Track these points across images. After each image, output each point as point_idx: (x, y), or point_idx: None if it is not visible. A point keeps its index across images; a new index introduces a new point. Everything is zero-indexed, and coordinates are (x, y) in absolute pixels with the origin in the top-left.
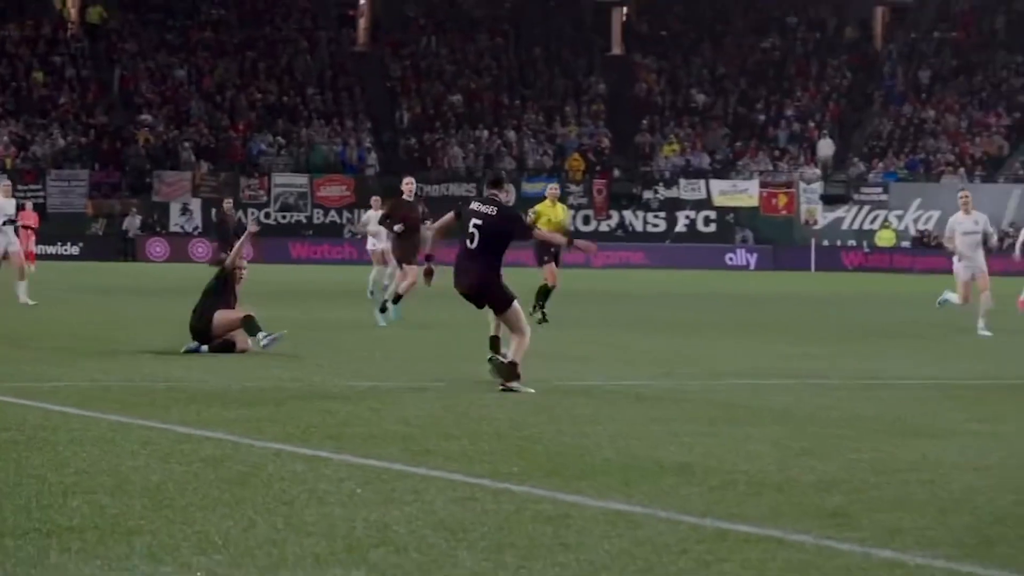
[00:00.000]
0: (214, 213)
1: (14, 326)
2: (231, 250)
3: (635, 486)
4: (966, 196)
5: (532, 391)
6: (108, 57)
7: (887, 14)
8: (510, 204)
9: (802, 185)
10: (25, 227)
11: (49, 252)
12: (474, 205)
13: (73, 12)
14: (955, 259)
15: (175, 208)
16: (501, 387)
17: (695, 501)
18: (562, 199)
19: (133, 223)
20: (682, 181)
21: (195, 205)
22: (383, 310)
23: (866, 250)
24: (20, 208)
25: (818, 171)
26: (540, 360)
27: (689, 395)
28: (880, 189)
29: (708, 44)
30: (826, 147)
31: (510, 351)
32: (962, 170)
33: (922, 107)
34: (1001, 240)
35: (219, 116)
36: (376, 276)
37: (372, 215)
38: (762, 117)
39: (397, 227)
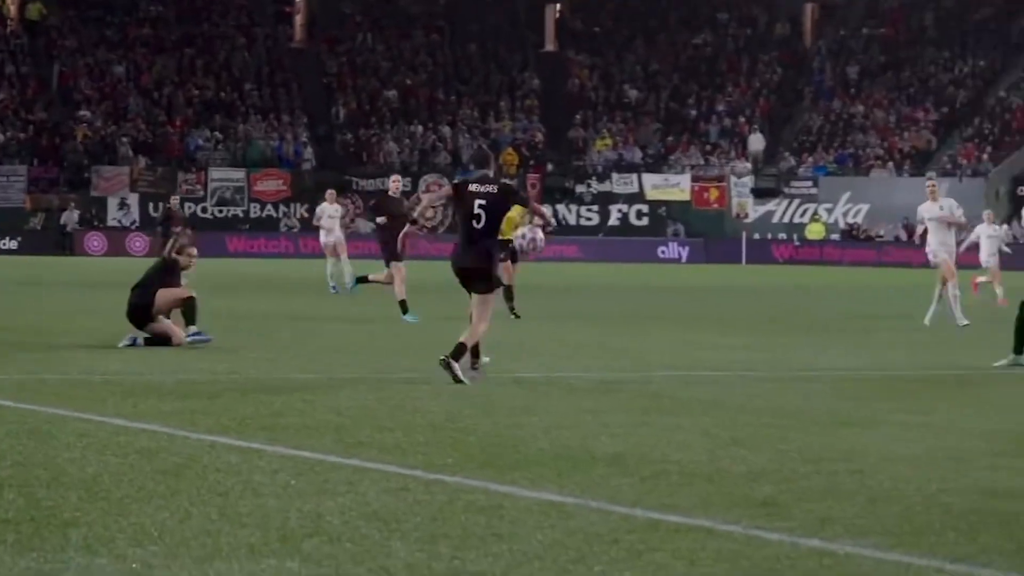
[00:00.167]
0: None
1: None
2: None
3: (567, 476)
4: (933, 184)
5: (468, 383)
6: (47, 53)
7: (816, 11)
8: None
9: (733, 179)
10: None
11: None
12: (473, 187)
13: (12, 9)
14: (928, 252)
15: (113, 203)
16: (441, 360)
17: (626, 491)
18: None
19: (71, 218)
20: (615, 175)
21: (133, 200)
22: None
23: (796, 243)
24: None
25: (749, 165)
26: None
27: (621, 386)
28: (810, 183)
29: (641, 41)
30: (757, 142)
31: (466, 333)
32: (891, 164)
33: (851, 102)
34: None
35: (157, 112)
36: (333, 269)
37: (326, 207)
38: (694, 112)
39: (380, 219)
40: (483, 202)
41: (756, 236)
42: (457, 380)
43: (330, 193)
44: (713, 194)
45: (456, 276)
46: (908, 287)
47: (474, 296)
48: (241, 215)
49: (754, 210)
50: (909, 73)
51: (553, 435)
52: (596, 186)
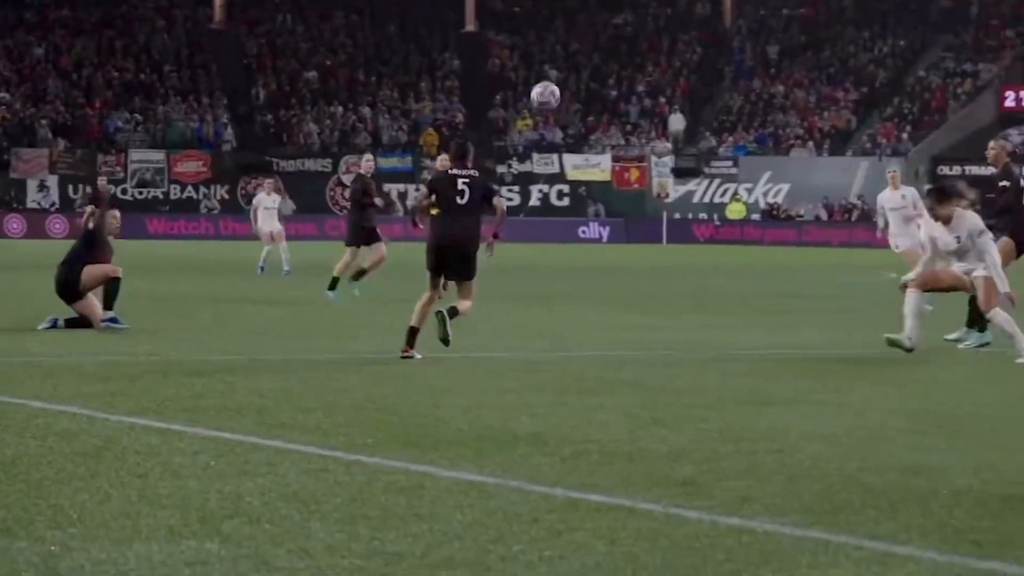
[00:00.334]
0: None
1: None
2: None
3: (488, 456)
4: (894, 173)
5: (420, 356)
6: None
7: None
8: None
9: (654, 159)
10: None
11: None
12: (454, 171)
13: None
14: (891, 242)
15: (32, 185)
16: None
17: (547, 471)
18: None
19: None
20: (535, 155)
21: (52, 182)
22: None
23: (717, 223)
24: None
25: (669, 145)
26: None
27: (542, 366)
28: (730, 163)
29: (561, 21)
30: (677, 122)
31: (459, 307)
32: (811, 144)
33: (771, 82)
34: (848, 212)
35: (76, 94)
36: (268, 255)
37: (263, 198)
38: (614, 92)
39: (379, 201)
40: (467, 180)
41: (677, 216)
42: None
43: (268, 183)
44: (634, 174)
45: (435, 255)
46: (828, 266)
47: (459, 285)
48: (161, 196)
49: (675, 190)
50: (829, 53)
51: (474, 415)
52: (517, 166)
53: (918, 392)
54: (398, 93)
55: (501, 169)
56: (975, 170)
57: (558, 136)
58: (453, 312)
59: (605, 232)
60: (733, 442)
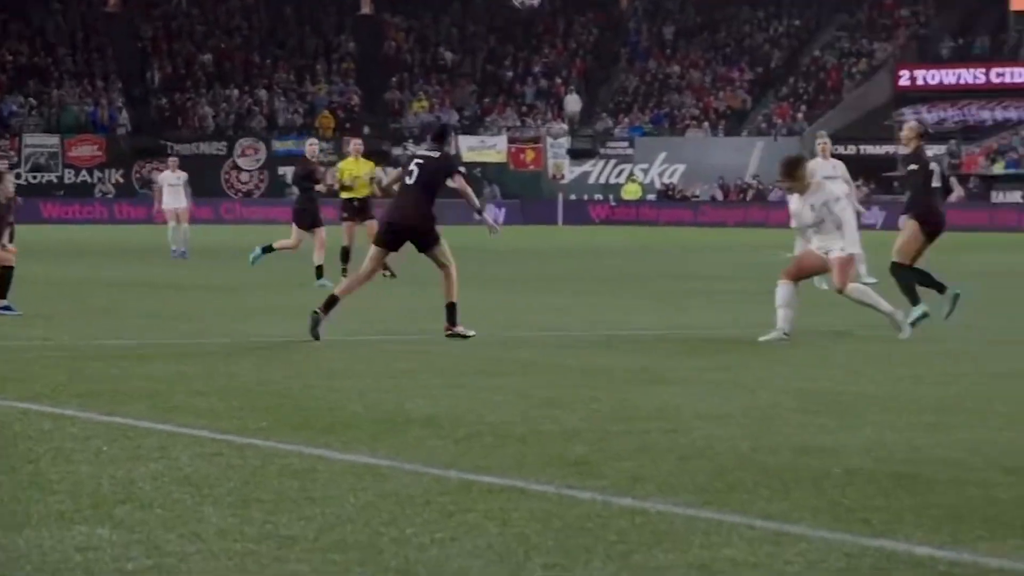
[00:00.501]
0: None
1: None
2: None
3: (381, 439)
4: (825, 143)
5: (474, 333)
6: None
7: None
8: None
9: (549, 140)
10: None
11: None
12: (419, 151)
13: None
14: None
15: None
16: (448, 333)
17: (440, 453)
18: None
19: None
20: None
21: None
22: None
23: (612, 204)
24: None
25: (565, 126)
26: (290, 316)
27: (436, 348)
28: (626, 143)
29: (457, 2)
30: (573, 103)
31: (446, 292)
32: (706, 124)
33: (667, 63)
34: (743, 192)
35: None
36: (173, 234)
37: (167, 175)
38: (510, 74)
39: (322, 187)
40: (420, 161)
41: (572, 197)
42: (466, 336)
43: (172, 160)
44: (529, 155)
45: (380, 232)
46: (724, 246)
47: (429, 255)
48: (55, 181)
49: (570, 171)
50: (724, 33)
51: (368, 398)
52: (413, 148)
53: (810, 372)
54: (294, 76)
55: (397, 151)
56: (870, 149)
57: (454, 118)
58: (452, 312)
59: (501, 214)
60: (626, 422)
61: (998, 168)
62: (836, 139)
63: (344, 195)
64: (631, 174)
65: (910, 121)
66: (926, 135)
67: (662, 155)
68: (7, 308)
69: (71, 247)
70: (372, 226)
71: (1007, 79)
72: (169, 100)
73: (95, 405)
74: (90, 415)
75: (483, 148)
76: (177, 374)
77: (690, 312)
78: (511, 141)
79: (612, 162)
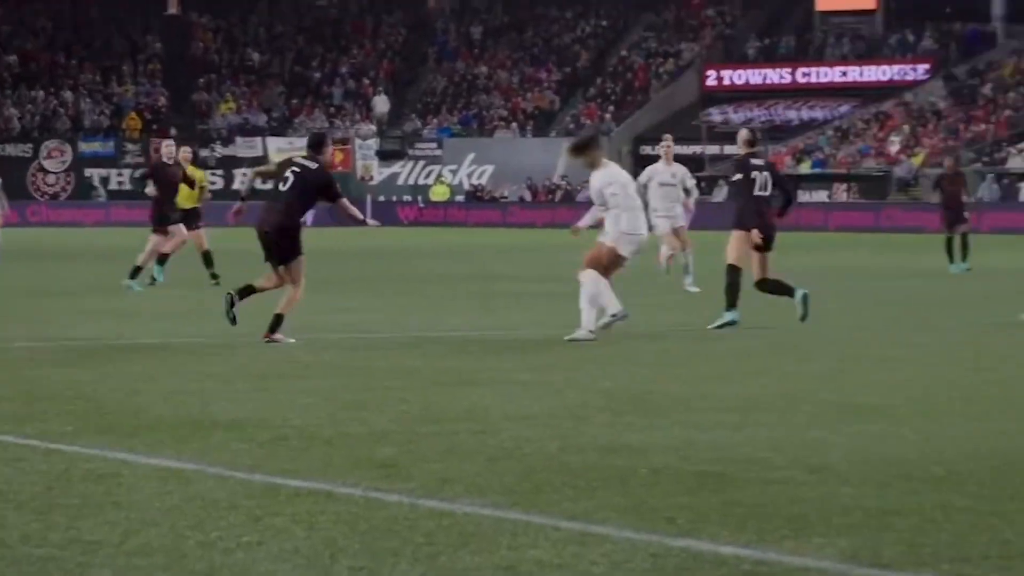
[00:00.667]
0: None
1: None
2: None
3: (186, 443)
4: (668, 146)
5: (292, 341)
6: None
7: None
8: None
9: (358, 141)
10: None
11: None
12: (297, 159)
13: None
14: (651, 213)
15: None
16: (265, 339)
17: (246, 456)
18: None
19: None
20: (239, 139)
21: None
22: (134, 277)
23: (421, 205)
24: None
25: (373, 127)
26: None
27: (242, 350)
28: (435, 144)
29: (264, 3)
30: (381, 104)
31: (281, 303)
32: (514, 125)
33: (475, 63)
34: (552, 192)
35: None
36: None
37: None
38: (318, 75)
39: (149, 189)
40: (297, 170)
41: (381, 198)
42: (285, 342)
43: None
44: (338, 156)
45: (260, 240)
46: (532, 247)
47: (281, 268)
48: None
49: (379, 172)
50: (532, 33)
51: (173, 401)
52: (221, 150)
53: (618, 371)
54: (100, 76)
55: (205, 153)
56: (678, 149)
57: (262, 119)
58: (277, 323)
59: (310, 215)
60: (434, 423)
61: (804, 168)
62: (643, 139)
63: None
64: (439, 175)
65: (742, 129)
66: (755, 142)
67: (471, 156)
68: None
69: None
70: (198, 235)
71: (813, 79)
72: None
73: None
74: None
75: (291, 150)
76: None
77: (499, 313)
78: None
79: (421, 163)
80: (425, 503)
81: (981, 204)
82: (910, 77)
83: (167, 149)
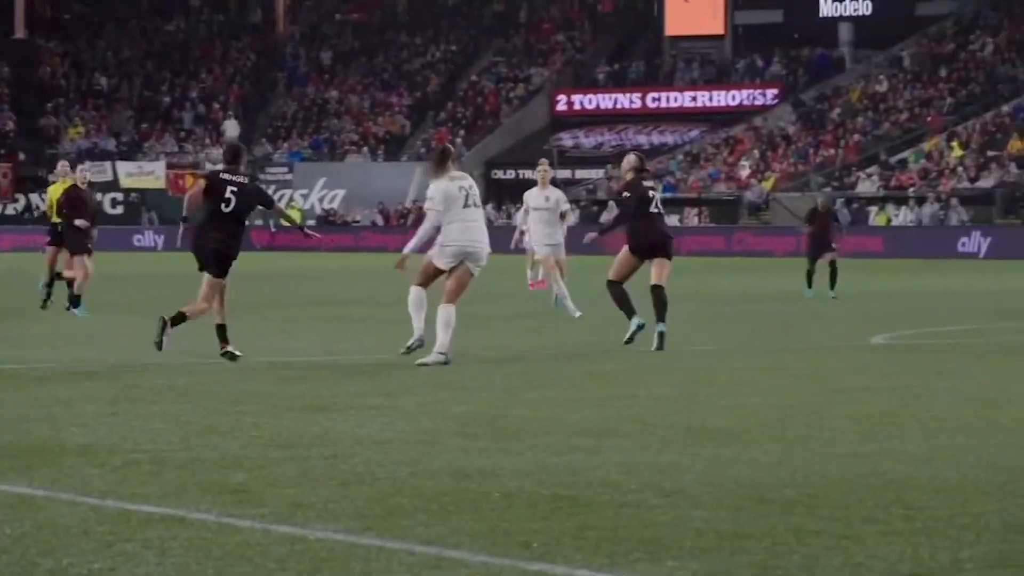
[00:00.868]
0: None
1: None
2: None
3: (37, 469)
4: (545, 170)
5: (240, 354)
6: None
7: None
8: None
9: (208, 165)
10: None
11: None
12: (224, 175)
13: None
14: (526, 238)
15: None
16: (161, 328)
17: (97, 482)
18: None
19: None
20: (88, 163)
21: None
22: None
23: (273, 230)
24: None
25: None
26: None
27: (95, 375)
28: (286, 169)
29: (112, 27)
30: (231, 128)
31: (188, 306)
32: (366, 149)
33: (325, 88)
34: (404, 217)
35: None
36: None
37: None
38: (167, 99)
39: (80, 222)
40: (235, 188)
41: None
42: (234, 357)
43: None
44: (188, 181)
45: (199, 258)
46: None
47: (205, 276)
48: None
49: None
50: (382, 58)
51: (22, 427)
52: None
53: (471, 395)
54: None
55: (54, 177)
56: (528, 174)
57: (111, 144)
58: (222, 333)
59: (160, 240)
60: (286, 448)
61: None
62: (494, 163)
63: (54, 220)
64: (291, 199)
65: (629, 155)
66: (642, 168)
67: (322, 180)
68: None
69: None
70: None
71: (663, 104)
72: None
73: None
74: None
75: (141, 174)
76: None
77: (351, 338)
78: (169, 167)
79: (272, 188)
80: (278, 528)
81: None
82: (759, 102)
83: (83, 176)
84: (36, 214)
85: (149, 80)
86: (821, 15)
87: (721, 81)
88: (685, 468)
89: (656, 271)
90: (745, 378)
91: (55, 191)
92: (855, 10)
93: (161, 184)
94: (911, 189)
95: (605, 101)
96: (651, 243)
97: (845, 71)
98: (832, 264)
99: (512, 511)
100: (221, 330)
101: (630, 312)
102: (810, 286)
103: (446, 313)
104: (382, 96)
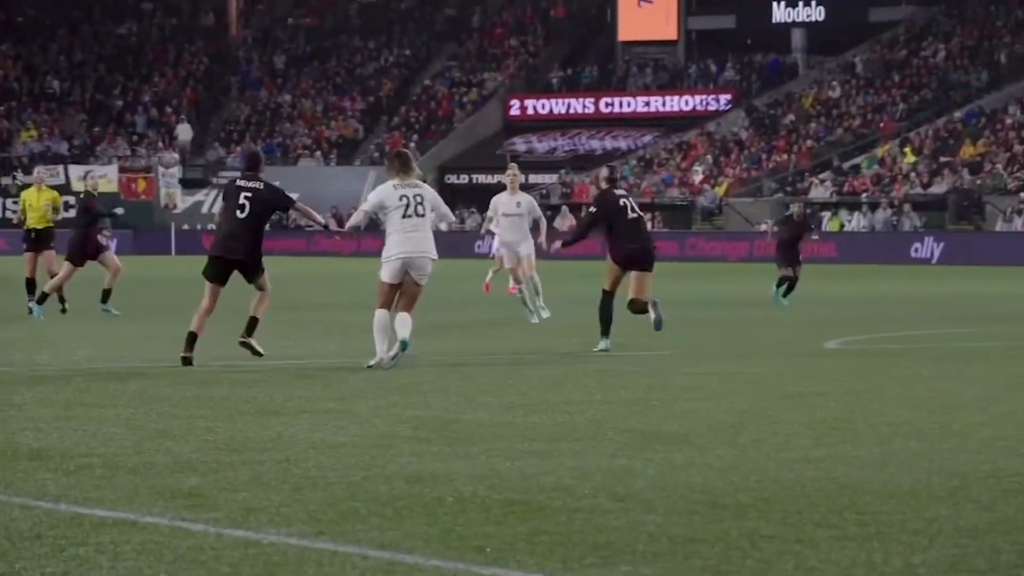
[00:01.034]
0: None
1: None
2: None
3: None
4: (514, 174)
5: (264, 352)
6: None
7: (242, 1)
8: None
9: (161, 169)
10: None
11: None
12: (240, 182)
13: None
14: (495, 242)
15: None
16: (241, 341)
17: (50, 486)
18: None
19: None
20: (40, 167)
21: None
22: (41, 302)
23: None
24: None
25: (177, 155)
26: None
27: (48, 380)
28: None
29: (65, 30)
30: (184, 132)
31: (254, 307)
32: (319, 153)
33: (278, 92)
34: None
35: None
36: None
37: None
38: (120, 103)
39: (105, 237)
40: (249, 195)
41: (185, 227)
42: (257, 353)
43: None
44: (141, 185)
45: (212, 267)
46: (337, 276)
47: (254, 282)
48: None
49: (183, 200)
50: (335, 63)
51: None
52: (22, 178)
53: (425, 400)
54: None
55: (6, 181)
56: (482, 178)
57: (63, 147)
58: (252, 326)
59: (113, 244)
60: (240, 453)
61: None
62: (447, 168)
63: (26, 226)
64: None
65: (603, 168)
66: (615, 179)
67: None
68: None
69: None
70: (50, 256)
71: (616, 109)
72: None
73: None
74: None
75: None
76: None
77: (304, 342)
78: (122, 171)
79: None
80: (231, 533)
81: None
82: (712, 107)
83: (92, 181)
84: None
85: (101, 83)
86: (774, 21)
87: (674, 86)
88: (638, 473)
89: (635, 284)
90: (698, 383)
91: (30, 196)
92: (808, 16)
93: (114, 188)
94: (864, 195)
95: (558, 106)
96: (630, 254)
97: (798, 77)
98: (795, 276)
99: (466, 515)
100: (252, 323)
101: (605, 331)
102: (784, 295)
103: (402, 317)
104: (335, 100)
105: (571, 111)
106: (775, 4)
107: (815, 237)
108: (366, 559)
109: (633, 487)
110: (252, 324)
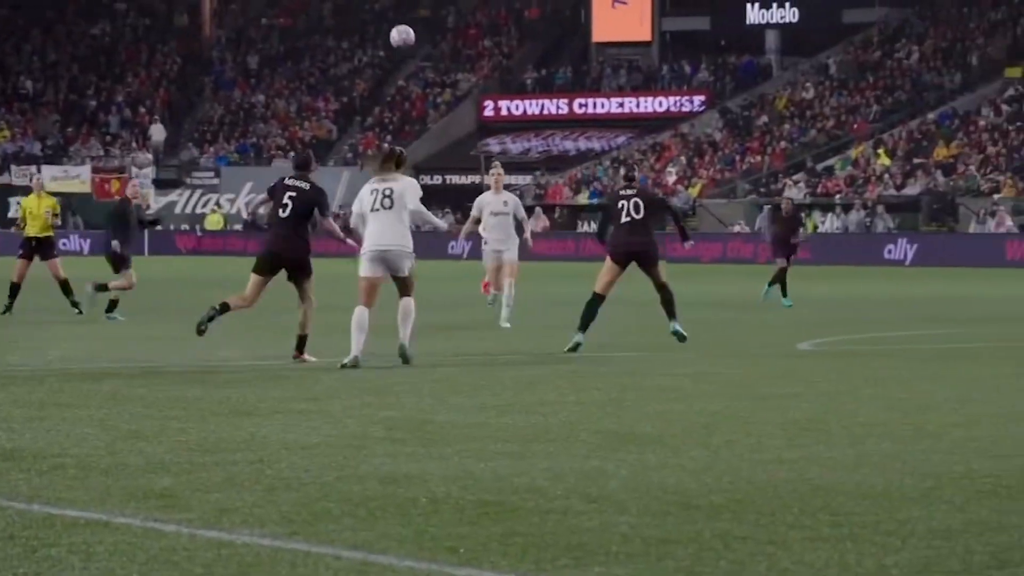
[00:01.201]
0: None
1: None
2: None
3: None
4: (498, 173)
5: (315, 360)
6: None
7: (216, 1)
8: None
9: (134, 170)
10: None
11: None
12: (288, 181)
13: None
14: (483, 243)
15: None
16: (294, 358)
17: (23, 487)
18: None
19: None
20: (13, 168)
21: None
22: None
23: (199, 234)
24: None
25: (150, 156)
26: None
27: (19, 380)
28: (212, 173)
29: (38, 31)
30: (158, 132)
31: (301, 324)
32: (292, 153)
33: (252, 92)
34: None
35: None
36: None
37: None
38: (93, 103)
39: (114, 244)
40: (293, 194)
41: (159, 227)
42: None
43: None
44: (115, 185)
45: (260, 262)
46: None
47: (298, 285)
48: None
49: (156, 201)
50: (309, 63)
51: None
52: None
53: (398, 400)
54: None
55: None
56: (456, 179)
57: (36, 148)
58: (302, 343)
59: (86, 244)
60: (212, 453)
61: (583, 198)
62: (421, 168)
63: (27, 234)
64: (217, 204)
65: (621, 167)
66: (630, 179)
67: (248, 185)
68: None
69: None
70: (54, 265)
71: (589, 110)
72: None
73: None
74: None
75: (67, 178)
76: None
77: (277, 342)
78: (95, 171)
79: (198, 192)
80: (204, 534)
81: (759, 235)
82: (686, 108)
83: (133, 189)
84: None
85: (75, 84)
86: (748, 22)
87: (648, 88)
88: (611, 474)
89: (652, 278)
90: (672, 384)
91: (30, 204)
92: (782, 17)
93: (87, 188)
94: (837, 196)
95: (532, 107)
96: (627, 251)
97: (772, 78)
98: (784, 271)
99: (439, 516)
100: (301, 340)
101: (583, 326)
102: (784, 294)
103: (403, 305)
104: (309, 100)
105: (545, 112)
106: (749, 5)
107: (802, 239)
108: (339, 559)
109: (606, 488)
110: (301, 341)
